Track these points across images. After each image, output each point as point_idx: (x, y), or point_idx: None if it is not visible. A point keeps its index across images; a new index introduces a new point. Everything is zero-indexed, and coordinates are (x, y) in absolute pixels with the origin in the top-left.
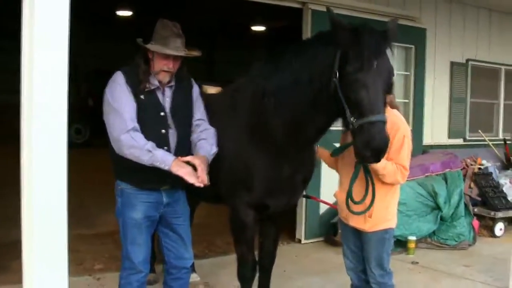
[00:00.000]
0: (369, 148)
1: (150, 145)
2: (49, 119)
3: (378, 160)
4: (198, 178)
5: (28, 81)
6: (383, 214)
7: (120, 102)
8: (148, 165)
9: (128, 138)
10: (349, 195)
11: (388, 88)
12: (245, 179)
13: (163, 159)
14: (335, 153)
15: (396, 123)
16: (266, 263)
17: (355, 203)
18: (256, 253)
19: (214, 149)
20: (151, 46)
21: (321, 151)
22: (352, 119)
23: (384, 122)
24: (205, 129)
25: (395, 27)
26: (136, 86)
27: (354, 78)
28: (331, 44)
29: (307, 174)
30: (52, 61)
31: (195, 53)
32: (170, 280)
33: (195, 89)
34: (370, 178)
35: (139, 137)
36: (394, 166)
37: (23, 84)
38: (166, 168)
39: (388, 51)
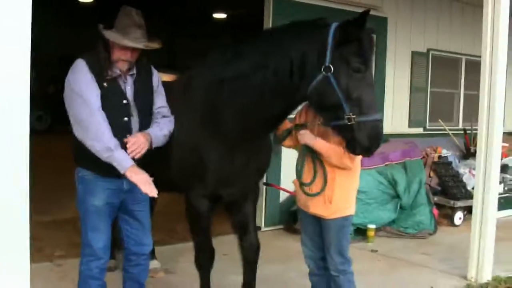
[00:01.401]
0: (376, 143)
1: (113, 143)
2: (11, 107)
3: (372, 154)
4: (152, 189)
5: None
6: (343, 201)
7: (85, 90)
8: (105, 161)
9: (94, 130)
10: (298, 177)
11: None
12: (197, 169)
13: (121, 162)
14: (277, 141)
15: None
16: (250, 256)
17: (304, 184)
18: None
19: (162, 133)
20: (110, 35)
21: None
22: (351, 114)
23: (382, 119)
24: (163, 116)
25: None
26: (99, 73)
27: (361, 76)
28: (312, 35)
29: (261, 163)
30: (14, 48)
31: (155, 45)
32: (129, 267)
33: (156, 77)
34: (320, 161)
35: (105, 130)
36: (339, 149)
37: None
38: (122, 171)
39: None
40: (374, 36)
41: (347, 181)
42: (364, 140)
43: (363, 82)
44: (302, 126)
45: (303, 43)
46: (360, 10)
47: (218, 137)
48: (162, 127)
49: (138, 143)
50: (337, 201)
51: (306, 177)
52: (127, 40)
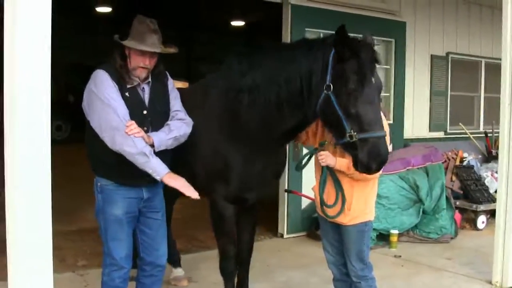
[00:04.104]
0: (376, 161)
1: (148, 150)
2: (33, 117)
3: (379, 170)
4: (193, 191)
5: (10, 78)
6: (362, 207)
7: (113, 99)
8: (139, 167)
9: (127, 136)
10: (321, 201)
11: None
12: (222, 173)
13: (157, 168)
14: (300, 167)
15: None
16: (245, 256)
17: (328, 206)
18: None
19: (170, 135)
20: (127, 43)
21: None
22: (352, 131)
23: (385, 136)
24: (177, 119)
25: (371, 37)
26: (120, 83)
27: (358, 93)
28: (317, 54)
29: (279, 168)
30: (35, 57)
31: (172, 50)
32: (143, 277)
33: (170, 82)
34: (337, 182)
35: (138, 139)
36: None
37: (5, 81)
38: (158, 178)
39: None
40: (375, 48)
41: (366, 187)
42: (364, 158)
43: (362, 99)
44: (320, 147)
45: (309, 62)
46: (377, 15)
47: (240, 142)
48: (172, 130)
49: (136, 126)
50: (356, 207)
51: (328, 198)
52: (144, 45)
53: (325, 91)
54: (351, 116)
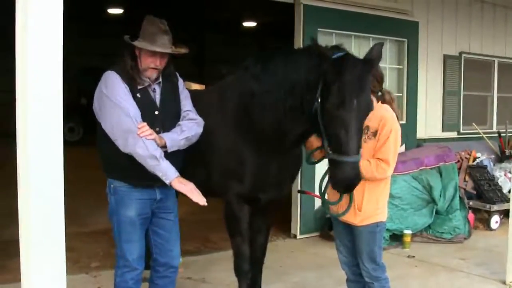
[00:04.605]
0: (343, 184)
1: (158, 153)
2: (45, 118)
3: (349, 192)
4: (201, 197)
5: (22, 80)
6: (373, 208)
7: (124, 100)
8: (149, 170)
9: (138, 138)
10: (322, 197)
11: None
12: (237, 171)
13: (167, 172)
14: (311, 161)
15: (384, 117)
16: (258, 256)
17: (330, 203)
18: None
19: (182, 136)
20: (138, 43)
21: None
22: (328, 149)
23: (358, 162)
24: (188, 119)
25: (380, 50)
26: (130, 84)
27: (334, 115)
28: (314, 64)
29: (294, 170)
30: (46, 59)
31: (183, 50)
32: (156, 278)
33: (180, 82)
34: None
35: (150, 141)
36: (371, 162)
37: (17, 84)
38: (167, 181)
39: (369, 81)
40: (380, 55)
41: (377, 188)
42: (333, 177)
43: (339, 121)
44: None
45: (307, 71)
46: (390, 15)
47: (253, 143)
48: (183, 130)
49: (148, 127)
50: (367, 208)
51: (331, 196)
52: (155, 46)
53: (316, 102)
54: (329, 133)
